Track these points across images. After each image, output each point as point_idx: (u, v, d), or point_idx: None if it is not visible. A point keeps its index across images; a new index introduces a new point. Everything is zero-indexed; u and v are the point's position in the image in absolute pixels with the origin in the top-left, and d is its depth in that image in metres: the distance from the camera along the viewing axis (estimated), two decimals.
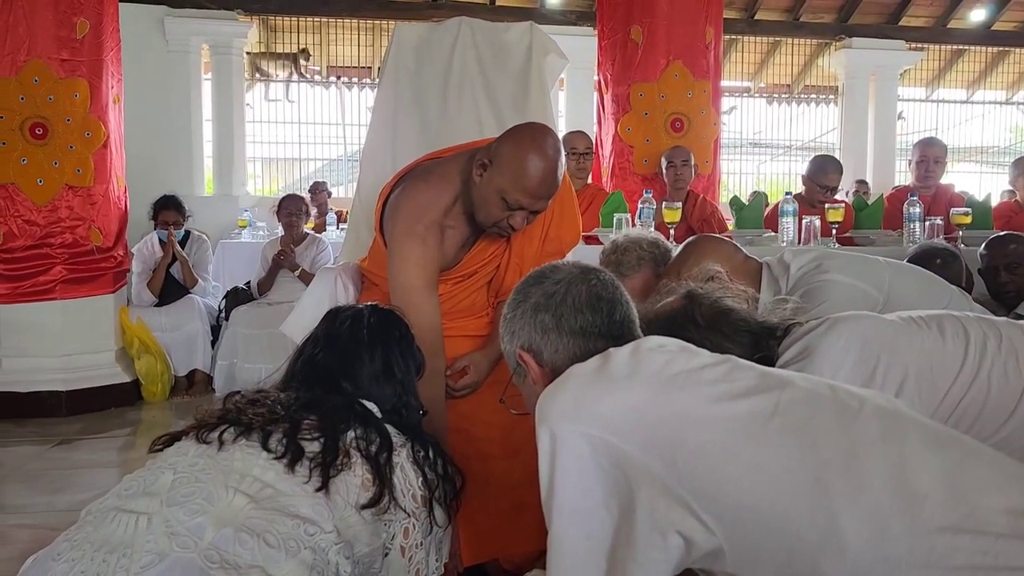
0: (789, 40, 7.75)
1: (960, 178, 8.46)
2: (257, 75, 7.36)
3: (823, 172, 3.97)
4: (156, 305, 4.77)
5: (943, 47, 8.07)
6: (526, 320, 1.31)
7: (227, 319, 4.80)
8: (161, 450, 1.39)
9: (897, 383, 1.41)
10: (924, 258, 2.58)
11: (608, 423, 1.08)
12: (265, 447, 1.33)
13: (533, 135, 1.92)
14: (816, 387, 1.15)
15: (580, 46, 5.93)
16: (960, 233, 3.50)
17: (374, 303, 1.71)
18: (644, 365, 1.15)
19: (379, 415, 1.48)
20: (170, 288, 4.83)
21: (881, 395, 1.19)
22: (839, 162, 4.14)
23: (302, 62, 7.26)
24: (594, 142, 4.63)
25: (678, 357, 1.17)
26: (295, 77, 7.41)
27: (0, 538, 2.78)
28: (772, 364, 1.44)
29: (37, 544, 1.28)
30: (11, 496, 3.15)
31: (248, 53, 7.08)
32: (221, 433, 1.35)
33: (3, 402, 4.09)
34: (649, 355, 1.17)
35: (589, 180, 4.42)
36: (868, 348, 1.45)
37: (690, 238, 2.26)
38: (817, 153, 4.78)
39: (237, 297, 4.91)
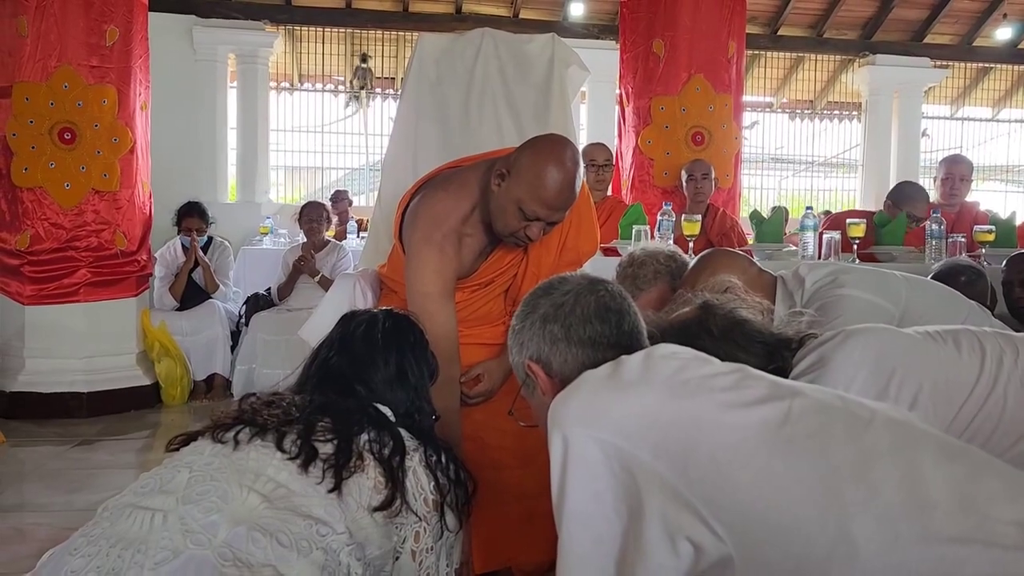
0: (812, 56, 7.73)
1: (985, 196, 8.35)
2: (372, 89, 7.43)
3: (913, 201, 3.84)
4: (177, 309, 4.83)
5: (968, 65, 8.01)
6: (535, 331, 1.32)
7: (247, 324, 4.85)
8: (177, 449, 1.41)
9: (911, 396, 1.41)
10: (949, 275, 2.56)
11: (619, 428, 1.09)
12: (279, 447, 1.34)
13: (552, 146, 1.93)
14: (827, 397, 1.15)
15: (602, 59, 5.94)
16: (983, 251, 3.46)
17: (389, 308, 1.73)
18: (656, 371, 1.16)
19: (393, 419, 1.50)
20: (191, 293, 4.89)
21: (892, 407, 1.19)
22: (925, 192, 4.02)
23: (363, 66, 7.32)
24: (614, 154, 4.64)
25: (690, 364, 1.18)
26: (368, 82, 7.43)
27: (20, 535, 2.83)
28: (786, 376, 1.44)
29: (55, 542, 1.30)
30: (31, 495, 3.20)
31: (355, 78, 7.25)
32: (236, 433, 1.37)
33: (26, 402, 4.16)
34: (661, 362, 1.18)
35: (609, 192, 4.42)
36: (882, 361, 1.44)
37: (704, 251, 2.25)
38: (904, 180, 4.52)
39: (257, 303, 4.96)
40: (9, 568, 2.44)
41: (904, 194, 3.97)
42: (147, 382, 4.46)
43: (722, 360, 1.23)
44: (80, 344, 4.27)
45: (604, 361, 1.22)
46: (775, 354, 1.49)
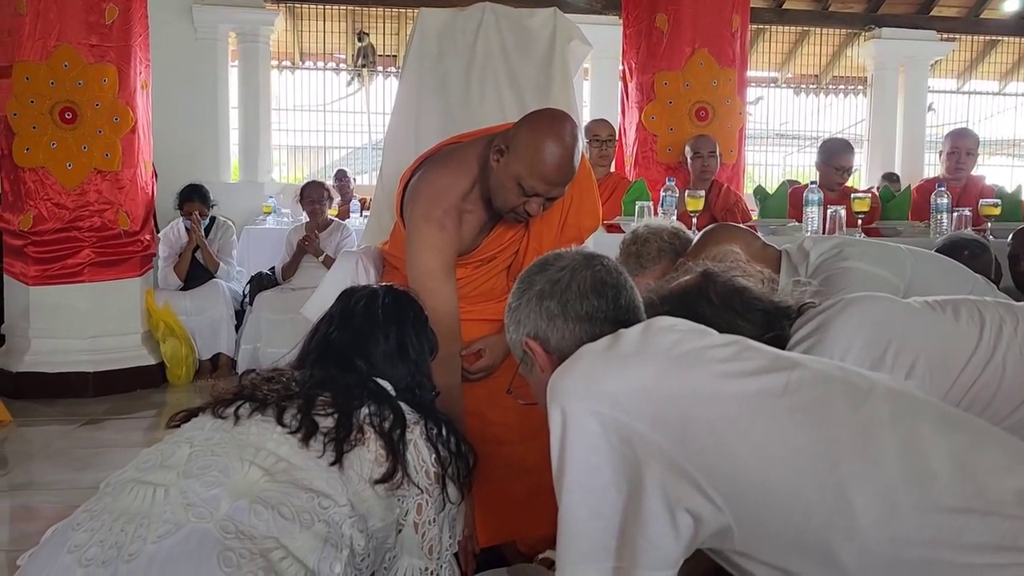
0: (818, 30, 7.65)
1: (991, 171, 8.29)
2: (375, 66, 7.35)
3: (837, 154, 3.99)
4: (181, 289, 4.84)
5: (975, 38, 7.92)
6: (531, 308, 1.32)
7: (251, 304, 4.86)
8: (178, 425, 1.42)
9: (908, 365, 1.41)
10: (953, 248, 2.55)
11: (618, 401, 1.08)
12: (280, 422, 1.35)
13: (550, 121, 1.92)
14: (826, 368, 1.15)
15: (605, 35, 5.90)
16: (989, 225, 3.44)
17: (389, 283, 1.73)
18: (654, 344, 1.15)
19: (393, 393, 1.50)
20: (195, 273, 4.90)
21: (892, 378, 1.19)
22: (849, 142, 4.17)
23: (358, 43, 7.26)
24: (617, 131, 4.61)
25: (688, 337, 1.17)
26: (370, 60, 7.35)
27: (28, 513, 2.85)
28: (784, 344, 1.44)
29: (63, 520, 1.31)
30: (39, 473, 3.22)
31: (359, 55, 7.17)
32: (237, 408, 1.37)
33: (33, 382, 4.17)
34: (659, 334, 1.18)
35: (612, 168, 4.40)
36: (879, 330, 1.44)
37: (708, 226, 2.24)
38: (828, 138, 4.85)
39: (261, 282, 4.97)
40: (19, 545, 2.46)
41: (827, 150, 4.08)
42: (152, 362, 4.48)
43: (721, 327, 1.23)
44: (85, 324, 4.27)
45: (602, 336, 1.22)
46: (774, 322, 1.49)
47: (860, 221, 3.41)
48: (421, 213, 1.99)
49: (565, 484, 1.10)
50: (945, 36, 7.46)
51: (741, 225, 2.48)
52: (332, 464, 1.32)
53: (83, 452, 3.41)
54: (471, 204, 2.03)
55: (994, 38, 7.97)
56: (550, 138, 1.86)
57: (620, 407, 1.08)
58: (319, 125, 8.03)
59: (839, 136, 4.72)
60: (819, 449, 1.03)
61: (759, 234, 2.38)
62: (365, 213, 5.60)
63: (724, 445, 1.04)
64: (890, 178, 6.54)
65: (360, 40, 7.18)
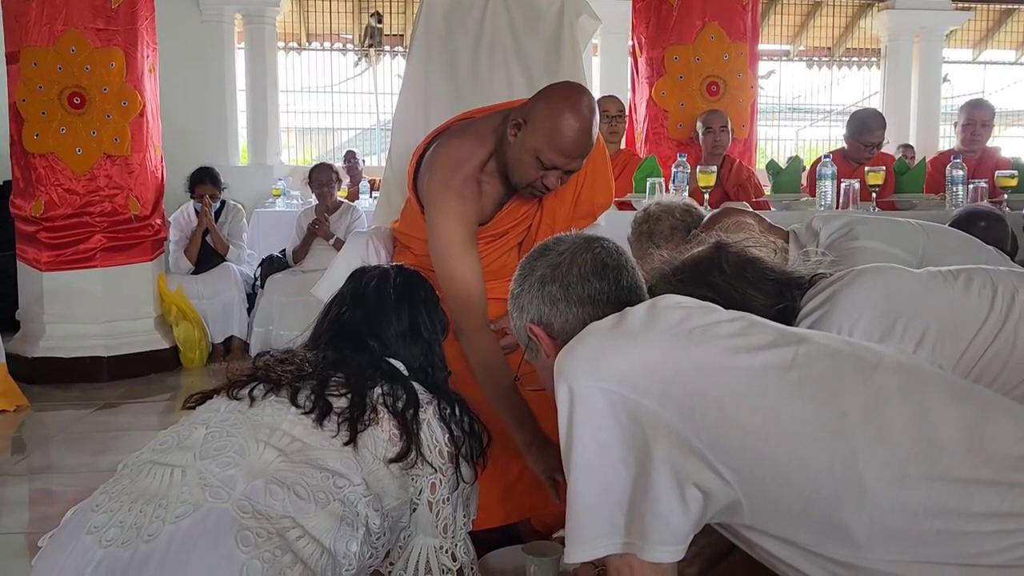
0: (830, 1, 7.55)
1: (1007, 143, 8.19)
2: (381, 46, 7.28)
3: (868, 129, 3.89)
4: (192, 273, 4.86)
5: (991, 6, 7.80)
6: (533, 293, 1.32)
7: (263, 287, 4.87)
8: (194, 407, 1.43)
9: (917, 337, 1.40)
10: (967, 221, 2.53)
11: (625, 378, 1.08)
12: (294, 403, 1.35)
13: (568, 94, 1.90)
14: (834, 343, 1.15)
15: (614, 11, 5.83)
16: (1005, 196, 3.41)
17: (399, 264, 1.72)
18: (661, 321, 1.16)
19: (406, 373, 1.50)
20: (206, 256, 4.91)
21: (900, 351, 1.20)
22: (882, 116, 4.06)
23: (377, 25, 7.19)
24: (627, 107, 4.57)
25: (695, 313, 1.17)
26: (377, 40, 7.28)
27: (47, 497, 2.89)
28: (795, 314, 1.44)
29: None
30: (57, 457, 3.26)
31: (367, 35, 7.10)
32: (251, 390, 1.38)
33: (48, 367, 4.21)
34: (666, 311, 1.18)
35: (622, 145, 4.37)
36: (890, 301, 1.44)
37: (713, 211, 2.23)
38: (855, 110, 4.70)
39: (272, 265, 4.98)
40: (39, 527, 2.50)
41: (858, 124, 3.95)
42: (166, 346, 4.50)
43: (733, 297, 1.23)
44: (99, 309, 4.30)
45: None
46: (785, 293, 1.49)
47: (874, 195, 3.38)
48: (440, 182, 1.96)
49: (573, 462, 1.10)
50: (960, 5, 7.35)
51: (747, 208, 2.46)
52: (346, 444, 1.32)
53: (100, 435, 3.44)
54: (488, 175, 2.01)
55: (1010, 7, 7.84)
56: (568, 110, 1.84)
57: (628, 384, 1.08)
58: (327, 106, 8.01)
59: (868, 108, 4.54)
60: (828, 421, 1.03)
61: (771, 209, 2.36)
62: (375, 194, 5.59)
63: (732, 420, 1.04)
64: (905, 148, 6.47)
65: (378, 22, 7.11)
